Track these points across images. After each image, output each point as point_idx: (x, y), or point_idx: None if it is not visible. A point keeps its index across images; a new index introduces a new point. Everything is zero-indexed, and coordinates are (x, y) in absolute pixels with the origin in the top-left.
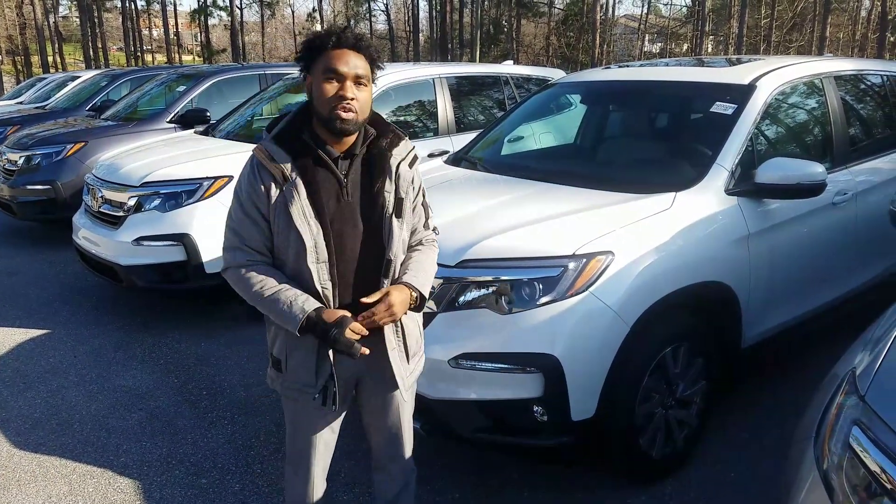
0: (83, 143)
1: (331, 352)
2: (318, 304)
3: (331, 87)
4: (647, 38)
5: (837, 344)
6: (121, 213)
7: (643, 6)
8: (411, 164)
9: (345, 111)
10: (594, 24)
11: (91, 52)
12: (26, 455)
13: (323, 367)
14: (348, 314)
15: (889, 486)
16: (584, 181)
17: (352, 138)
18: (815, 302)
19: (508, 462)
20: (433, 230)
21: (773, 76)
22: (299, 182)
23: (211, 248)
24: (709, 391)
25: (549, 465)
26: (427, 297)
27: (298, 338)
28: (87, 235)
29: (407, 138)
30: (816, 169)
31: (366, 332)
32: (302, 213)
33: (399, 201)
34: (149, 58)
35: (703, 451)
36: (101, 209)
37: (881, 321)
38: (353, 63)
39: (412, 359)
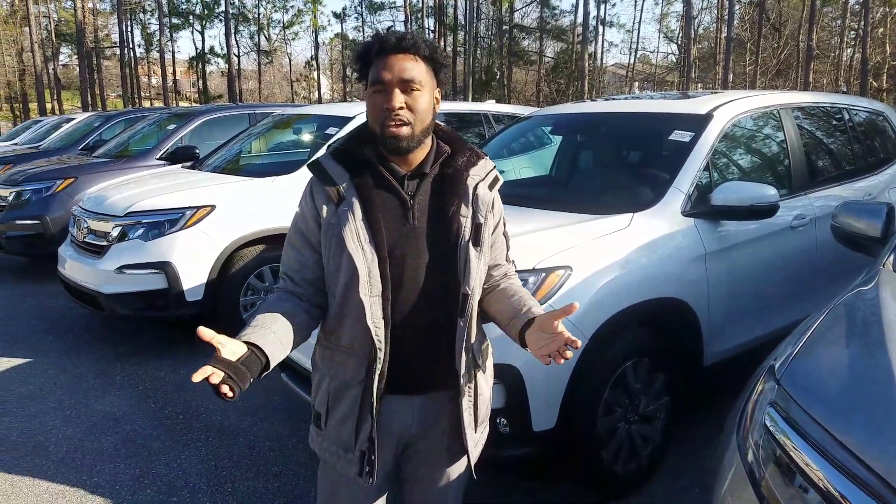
0: (73, 179)
1: (374, 409)
2: (245, 339)
3: (377, 100)
4: (636, 84)
5: None
6: (104, 243)
7: (630, 55)
8: (491, 187)
9: (395, 125)
10: (582, 72)
11: (89, 99)
12: None
13: (364, 427)
14: (218, 355)
15: (799, 462)
16: (547, 204)
17: (420, 155)
18: (778, 323)
19: None
20: (512, 263)
21: (729, 107)
22: (355, 201)
23: (192, 275)
24: (672, 407)
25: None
26: None
27: (343, 389)
28: (71, 266)
29: (487, 157)
30: (769, 191)
31: (208, 376)
32: (356, 235)
33: (477, 227)
34: (147, 104)
35: (668, 467)
36: (85, 239)
37: (808, 319)
38: (397, 67)
39: (479, 426)
